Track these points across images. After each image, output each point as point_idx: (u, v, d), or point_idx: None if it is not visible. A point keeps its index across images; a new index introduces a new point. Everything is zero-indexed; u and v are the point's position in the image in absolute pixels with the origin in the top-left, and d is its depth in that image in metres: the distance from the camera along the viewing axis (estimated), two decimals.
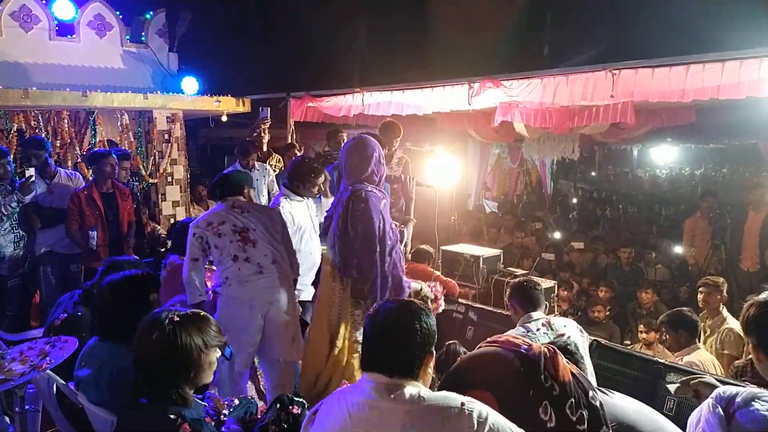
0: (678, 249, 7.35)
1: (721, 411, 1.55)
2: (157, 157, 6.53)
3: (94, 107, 5.97)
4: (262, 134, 6.47)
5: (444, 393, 1.67)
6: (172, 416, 1.77)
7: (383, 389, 1.64)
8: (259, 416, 2.18)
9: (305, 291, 4.10)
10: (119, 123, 6.32)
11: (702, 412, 1.62)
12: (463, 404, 1.62)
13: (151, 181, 6.46)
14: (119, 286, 2.28)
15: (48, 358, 2.07)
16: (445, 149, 7.70)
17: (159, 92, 6.40)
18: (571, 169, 13.91)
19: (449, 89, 5.45)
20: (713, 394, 1.52)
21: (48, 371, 2.14)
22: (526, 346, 1.92)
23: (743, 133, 7.25)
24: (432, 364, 1.73)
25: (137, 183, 6.38)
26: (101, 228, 4.64)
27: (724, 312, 4.51)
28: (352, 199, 2.78)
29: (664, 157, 15.00)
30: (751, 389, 1.46)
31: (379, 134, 4.52)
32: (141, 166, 6.44)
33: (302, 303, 3.89)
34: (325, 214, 3.27)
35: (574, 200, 12.71)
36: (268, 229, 3.35)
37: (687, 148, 12.53)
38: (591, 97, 4.62)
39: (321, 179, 4.14)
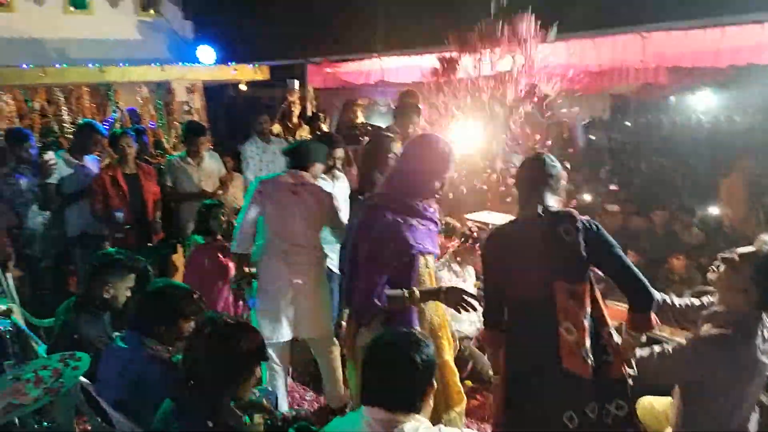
0: (715, 210, 7.03)
1: None
2: (179, 130, 6.51)
3: (111, 82, 5.95)
4: (291, 107, 6.35)
5: (446, 428, 1.64)
6: (210, 424, 1.74)
7: (382, 427, 1.61)
8: None
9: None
10: (138, 96, 6.31)
11: None
12: None
13: (174, 154, 6.46)
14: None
15: (61, 380, 2.10)
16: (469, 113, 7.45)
17: (176, 63, 6.33)
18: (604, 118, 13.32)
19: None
20: None
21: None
22: None
23: None
24: (433, 394, 1.70)
25: (160, 157, 6.39)
26: (126, 209, 4.64)
27: None
28: (366, 217, 2.26)
29: (705, 101, 14.20)
30: None
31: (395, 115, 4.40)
32: (164, 139, 6.44)
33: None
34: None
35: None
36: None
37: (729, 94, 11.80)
38: (620, 60, 4.40)
39: (339, 152, 3.97)
